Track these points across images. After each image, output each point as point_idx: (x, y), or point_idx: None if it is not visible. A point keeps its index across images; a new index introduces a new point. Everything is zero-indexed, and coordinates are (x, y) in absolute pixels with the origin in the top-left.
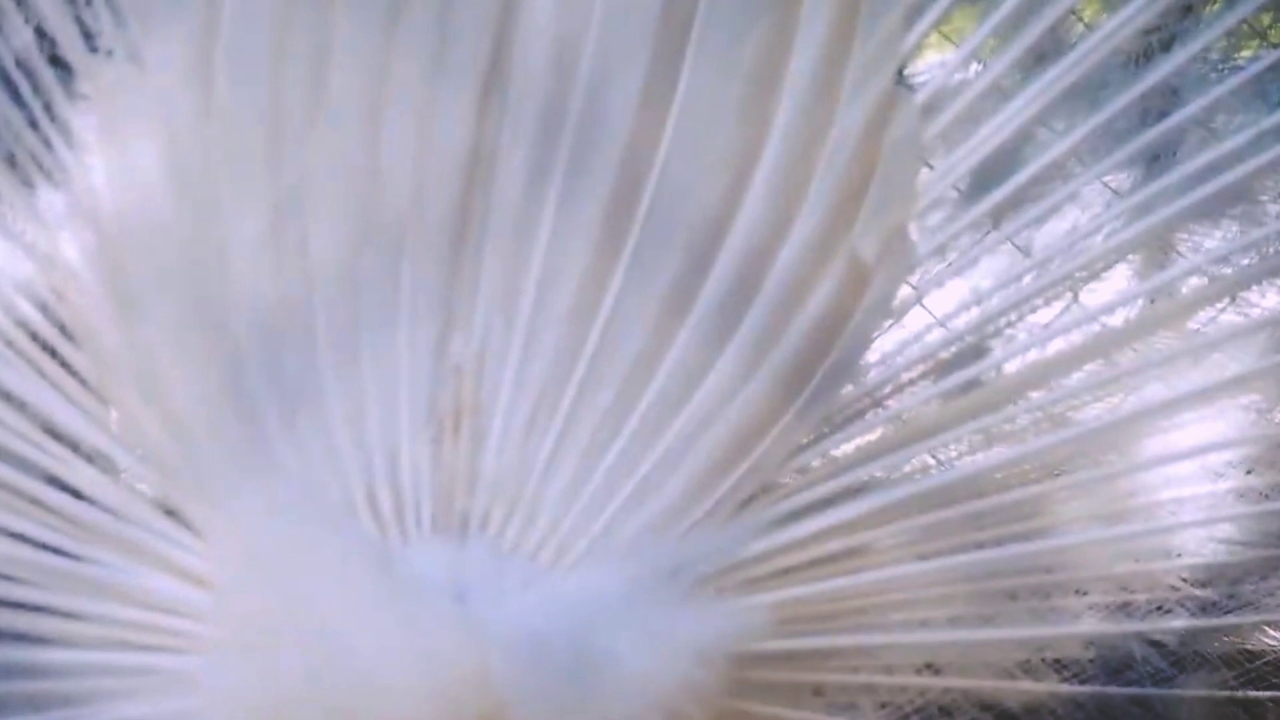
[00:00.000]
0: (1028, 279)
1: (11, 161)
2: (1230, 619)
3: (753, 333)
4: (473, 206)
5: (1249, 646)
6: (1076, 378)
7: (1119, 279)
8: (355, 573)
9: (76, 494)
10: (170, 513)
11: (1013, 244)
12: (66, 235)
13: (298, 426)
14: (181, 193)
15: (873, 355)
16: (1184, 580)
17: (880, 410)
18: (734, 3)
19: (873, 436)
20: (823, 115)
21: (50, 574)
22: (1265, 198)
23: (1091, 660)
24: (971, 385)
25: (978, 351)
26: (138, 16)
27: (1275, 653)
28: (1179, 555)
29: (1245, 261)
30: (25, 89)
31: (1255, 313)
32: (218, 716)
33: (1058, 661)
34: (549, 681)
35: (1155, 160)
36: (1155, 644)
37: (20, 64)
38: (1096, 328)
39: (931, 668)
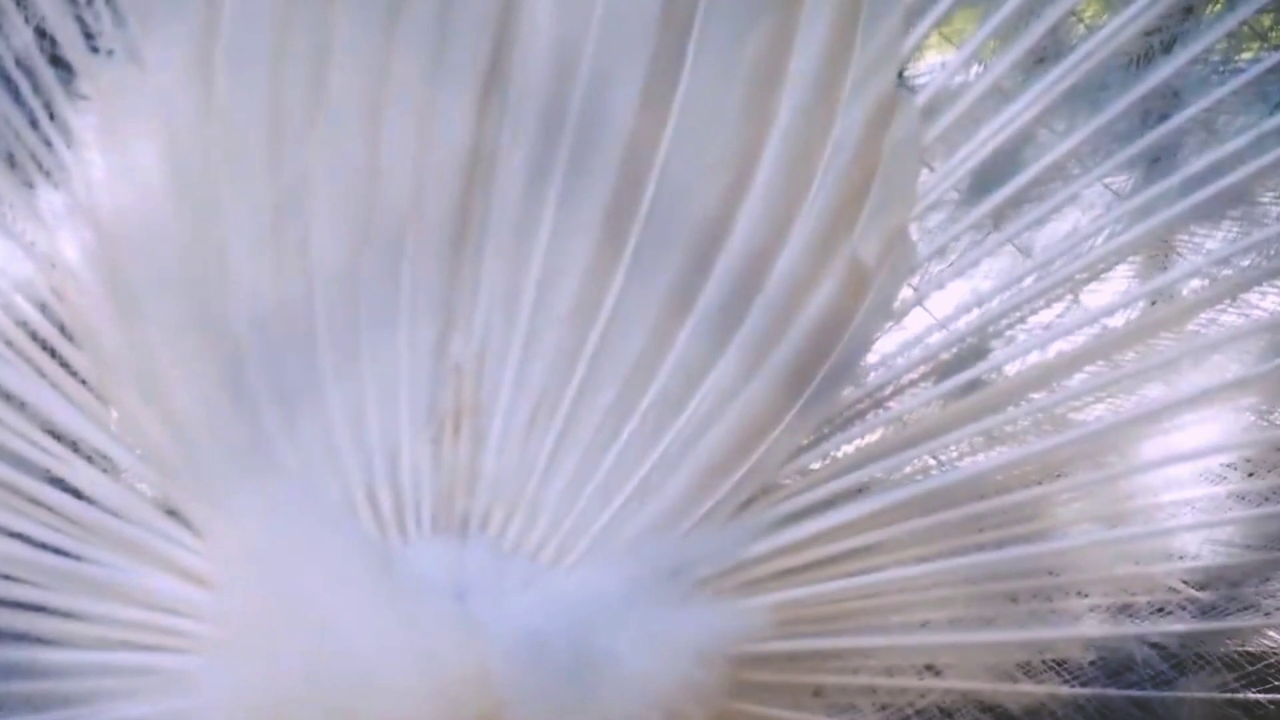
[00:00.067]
0: (1028, 280)
1: (11, 161)
2: (1231, 621)
3: (753, 333)
4: (473, 206)
5: (1249, 649)
6: (1077, 379)
7: (1120, 280)
8: (355, 572)
9: (77, 494)
10: (170, 512)
11: (1013, 245)
12: (66, 235)
13: (298, 426)
14: (181, 193)
15: (873, 356)
16: (1184, 583)
17: (881, 411)
18: (734, 3)
19: (873, 438)
20: (823, 116)
21: (50, 573)
22: (1266, 199)
23: (1092, 662)
24: (972, 387)
25: (978, 353)
26: (138, 16)
27: (1276, 655)
28: (1179, 558)
29: (1246, 263)
30: (25, 88)
31: (1256, 314)
32: (218, 716)
33: (1058, 663)
34: (549, 681)
35: (1156, 162)
36: (1156, 646)
37: (20, 64)
38: (1097, 329)
39: (932, 669)
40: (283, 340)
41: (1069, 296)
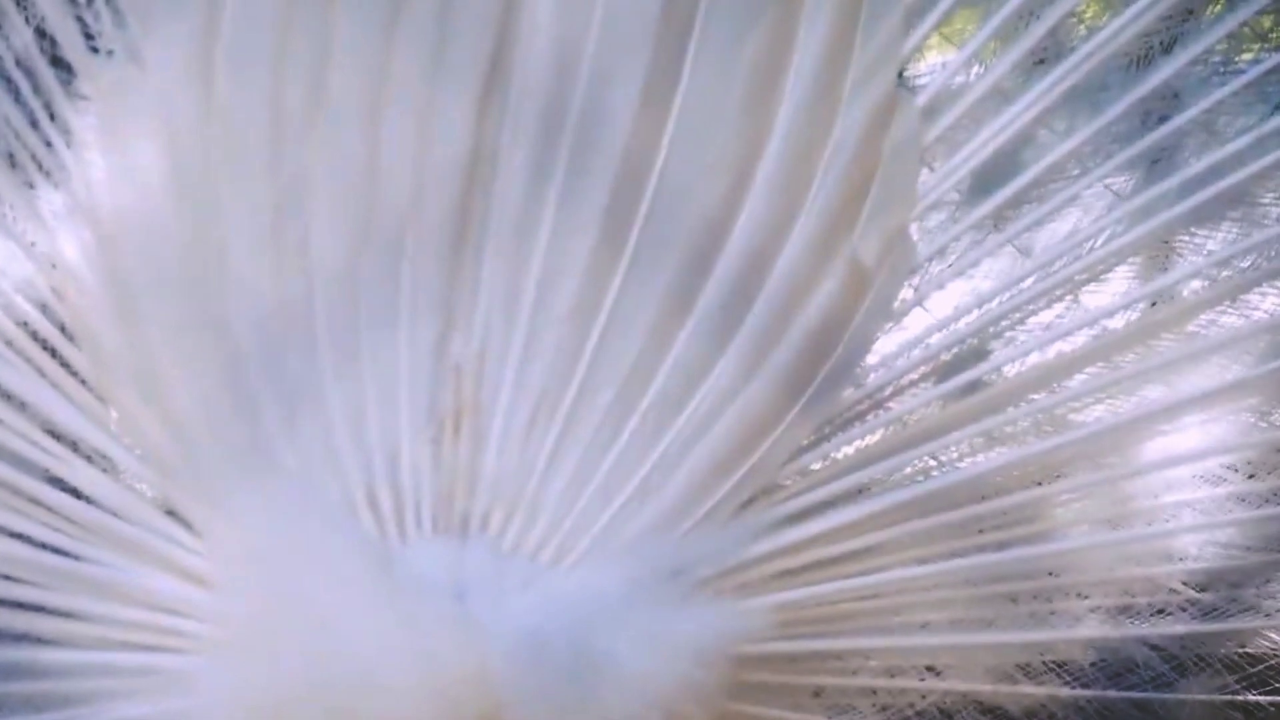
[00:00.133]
0: (1029, 281)
1: (12, 161)
2: (1231, 623)
3: (753, 334)
4: (473, 206)
5: (1250, 651)
6: (1078, 380)
7: (1120, 282)
8: (355, 572)
9: (76, 493)
10: (170, 512)
11: (1014, 246)
12: (67, 235)
13: (298, 426)
14: (182, 193)
15: (874, 357)
16: (1185, 584)
17: (881, 412)
18: (735, 3)
19: (874, 439)
20: (824, 116)
21: (50, 573)
22: (1266, 200)
23: (1093, 664)
24: (973, 388)
25: (979, 354)
26: (138, 17)
27: (1276, 657)
28: (1180, 559)
29: (1246, 264)
30: (26, 89)
31: (1256, 316)
32: (218, 716)
33: (1059, 665)
34: (548, 681)
35: (1156, 163)
36: (1156, 648)
37: (21, 64)
38: (1097, 330)
39: (932, 671)
40: (283, 340)
41: (1069, 297)
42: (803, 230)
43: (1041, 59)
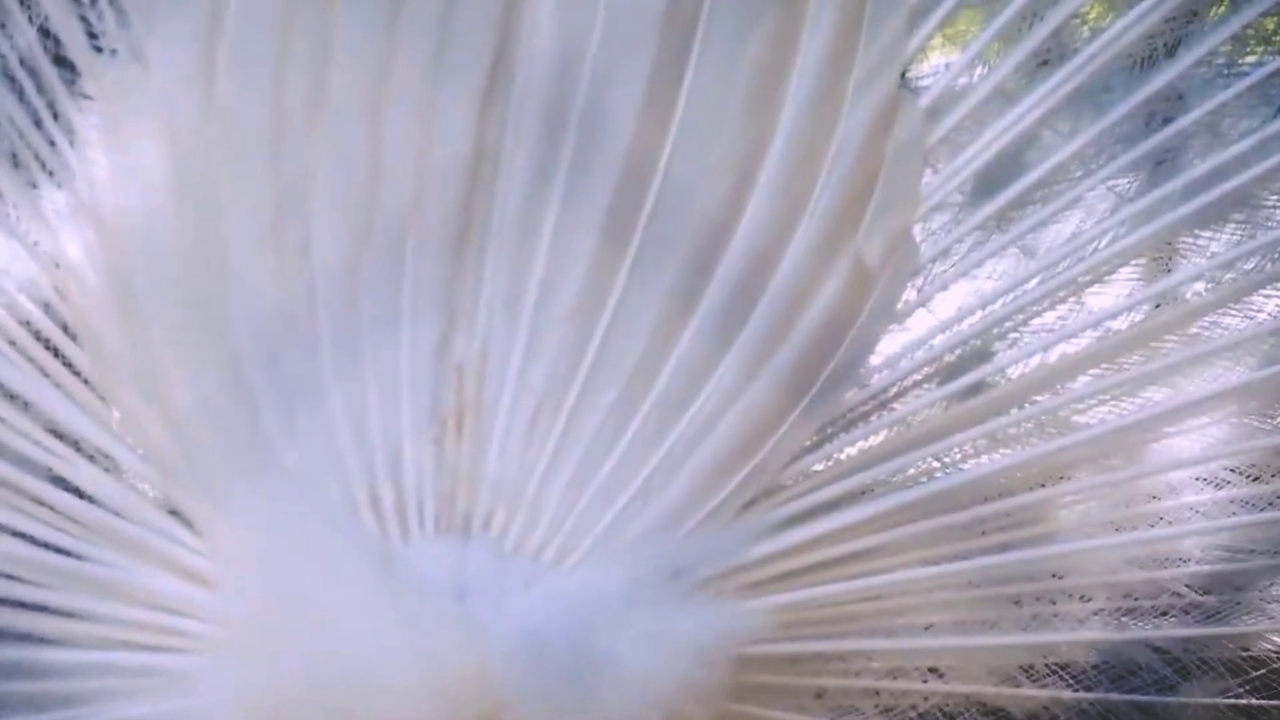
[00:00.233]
0: (1032, 283)
1: (15, 161)
2: (1234, 626)
3: (756, 334)
4: (475, 206)
5: (1253, 654)
6: (1081, 382)
7: (1123, 283)
8: (357, 572)
9: (78, 493)
10: (172, 512)
11: (1017, 248)
12: (69, 234)
13: (299, 426)
14: (184, 192)
15: (877, 358)
16: (1188, 587)
17: (884, 413)
18: (738, 3)
19: (877, 440)
20: (827, 117)
21: (52, 573)
22: (1270, 203)
23: (1095, 666)
24: (976, 389)
25: (982, 355)
26: (141, 16)
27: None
28: (1183, 562)
29: (1250, 266)
30: (29, 88)
31: (1260, 318)
32: (219, 716)
33: (1061, 667)
34: (549, 681)
35: (1160, 165)
36: (1159, 650)
37: (24, 63)
38: (1101, 332)
39: (935, 672)
40: (284, 340)
41: (1073, 299)
42: (806, 231)
43: (1045, 60)
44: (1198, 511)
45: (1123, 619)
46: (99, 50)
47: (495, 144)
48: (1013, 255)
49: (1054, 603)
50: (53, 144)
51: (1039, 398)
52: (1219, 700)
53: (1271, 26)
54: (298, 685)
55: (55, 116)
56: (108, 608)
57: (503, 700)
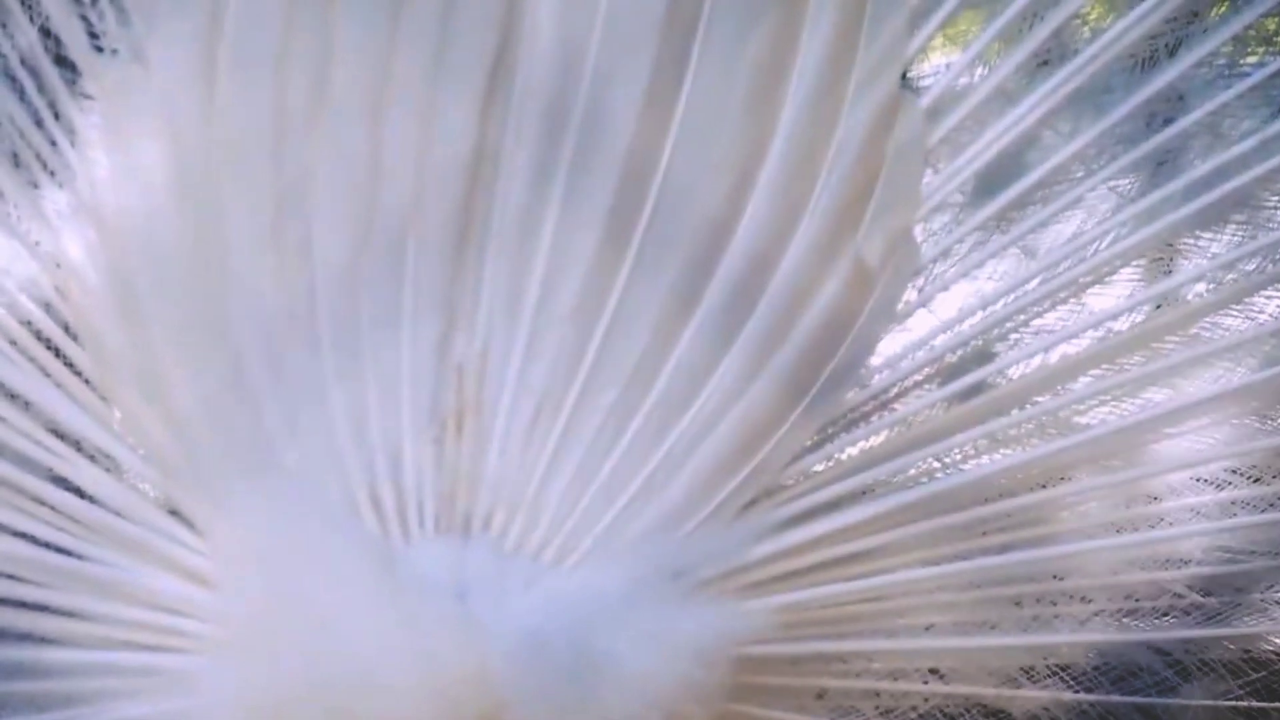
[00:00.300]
0: (1033, 284)
1: (16, 160)
2: (1235, 627)
3: (757, 334)
4: (476, 206)
5: (1254, 655)
6: (1082, 383)
7: (1124, 284)
8: (357, 572)
9: (79, 493)
10: (173, 512)
11: (1018, 248)
12: (70, 234)
13: (300, 426)
14: (184, 192)
15: (878, 359)
16: (1189, 588)
17: (885, 414)
18: (738, 3)
19: (878, 440)
20: (828, 117)
21: (53, 573)
22: (1271, 203)
23: (1096, 668)
24: (977, 389)
25: (983, 356)
26: (142, 16)
27: None
28: (1184, 563)
29: (1251, 268)
30: (30, 88)
31: (1261, 319)
32: (219, 716)
33: (1062, 668)
34: (549, 681)
35: (1161, 165)
36: (1160, 652)
37: (25, 63)
38: (1102, 333)
39: (935, 673)
40: (285, 339)
41: (1073, 300)
42: (806, 231)
43: (1045, 60)
44: (1199, 513)
45: (1124, 620)
46: (100, 50)
47: (496, 144)
48: (1013, 256)
49: (1055, 604)
50: (54, 144)
51: (1040, 398)
52: (1220, 702)
53: (1272, 27)
54: (298, 685)
55: (56, 116)
56: (108, 608)
57: (503, 700)
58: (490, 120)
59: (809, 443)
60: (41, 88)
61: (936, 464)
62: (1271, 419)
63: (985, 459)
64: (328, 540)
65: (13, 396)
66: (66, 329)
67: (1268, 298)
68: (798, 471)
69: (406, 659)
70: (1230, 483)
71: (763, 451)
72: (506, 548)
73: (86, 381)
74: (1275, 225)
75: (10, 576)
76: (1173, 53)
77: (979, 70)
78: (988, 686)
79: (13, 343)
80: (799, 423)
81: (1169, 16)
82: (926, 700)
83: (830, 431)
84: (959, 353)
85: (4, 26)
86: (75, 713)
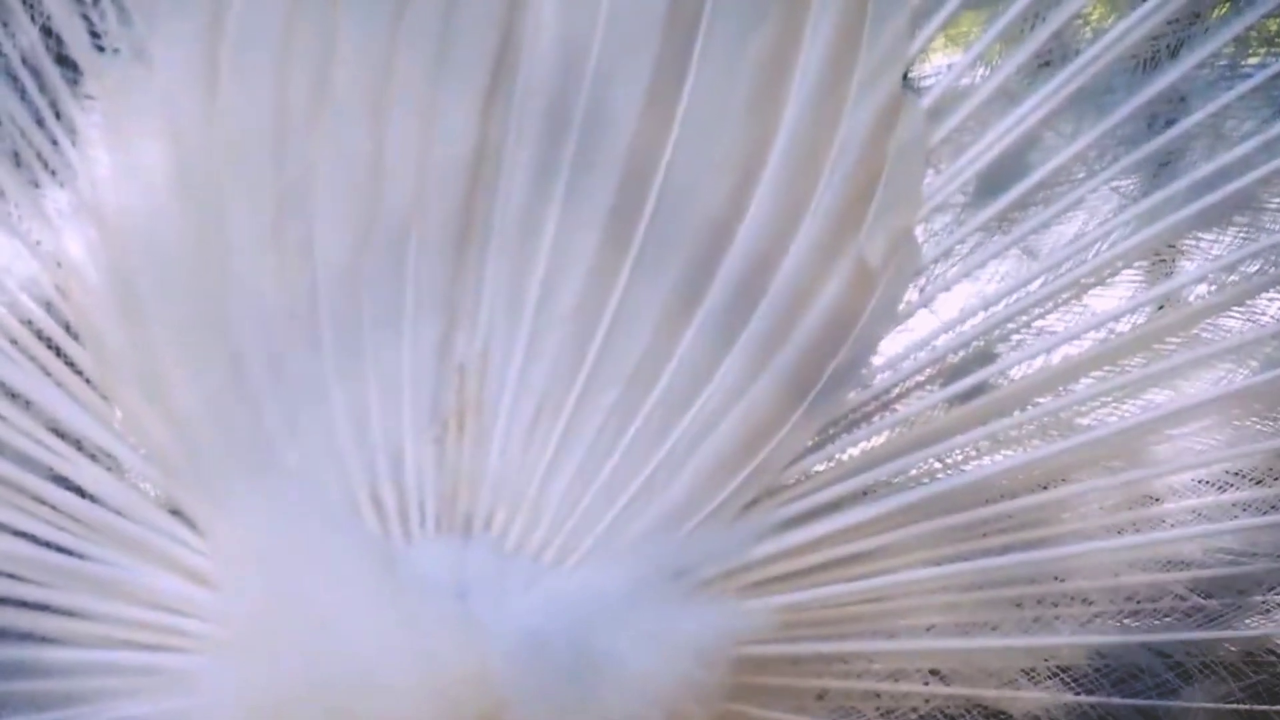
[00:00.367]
0: (1035, 284)
1: (17, 160)
2: (1237, 630)
3: (758, 334)
4: (477, 205)
5: (1256, 658)
6: (1084, 384)
7: (1126, 285)
8: (357, 572)
9: (80, 492)
10: (174, 511)
11: (1020, 249)
12: (71, 233)
13: (300, 425)
14: (186, 191)
15: (879, 359)
16: (1190, 590)
17: (887, 414)
18: (740, 3)
19: (879, 441)
20: (829, 117)
21: (54, 572)
22: (1273, 205)
23: (1097, 670)
24: (979, 390)
25: (985, 357)
26: (144, 15)
27: None
28: (1186, 565)
29: (1253, 269)
30: (31, 87)
31: (1263, 321)
32: (219, 716)
33: (1063, 670)
34: (549, 681)
35: (1163, 166)
36: (1161, 654)
37: (27, 62)
38: (1104, 334)
39: (936, 674)
40: (286, 339)
41: (1075, 301)
42: (808, 231)
43: (1047, 61)
44: (1200, 514)
45: (1125, 622)
46: (101, 49)
47: (497, 143)
48: (1015, 256)
49: (1056, 605)
50: (55, 143)
51: (1041, 399)
52: (1221, 704)
53: (1274, 28)
54: (298, 685)
55: (58, 115)
56: (109, 607)
57: (503, 700)
58: (492, 120)
59: (810, 443)
60: (43, 87)
61: (938, 465)
62: (1274, 421)
63: (987, 460)
64: (328, 540)
65: (14, 395)
66: (67, 328)
67: (1269, 299)
68: (799, 472)
69: (407, 659)
70: (1232, 485)
71: (764, 451)
72: (507, 548)
73: (87, 381)
74: (1277, 227)
75: (11, 576)
76: (1174, 54)
77: (981, 71)
78: (988, 688)
79: (14, 342)
80: (800, 423)
81: (1171, 17)
82: (927, 701)
83: (831, 432)
84: (960, 353)
85: (5, 25)
86: (75, 712)
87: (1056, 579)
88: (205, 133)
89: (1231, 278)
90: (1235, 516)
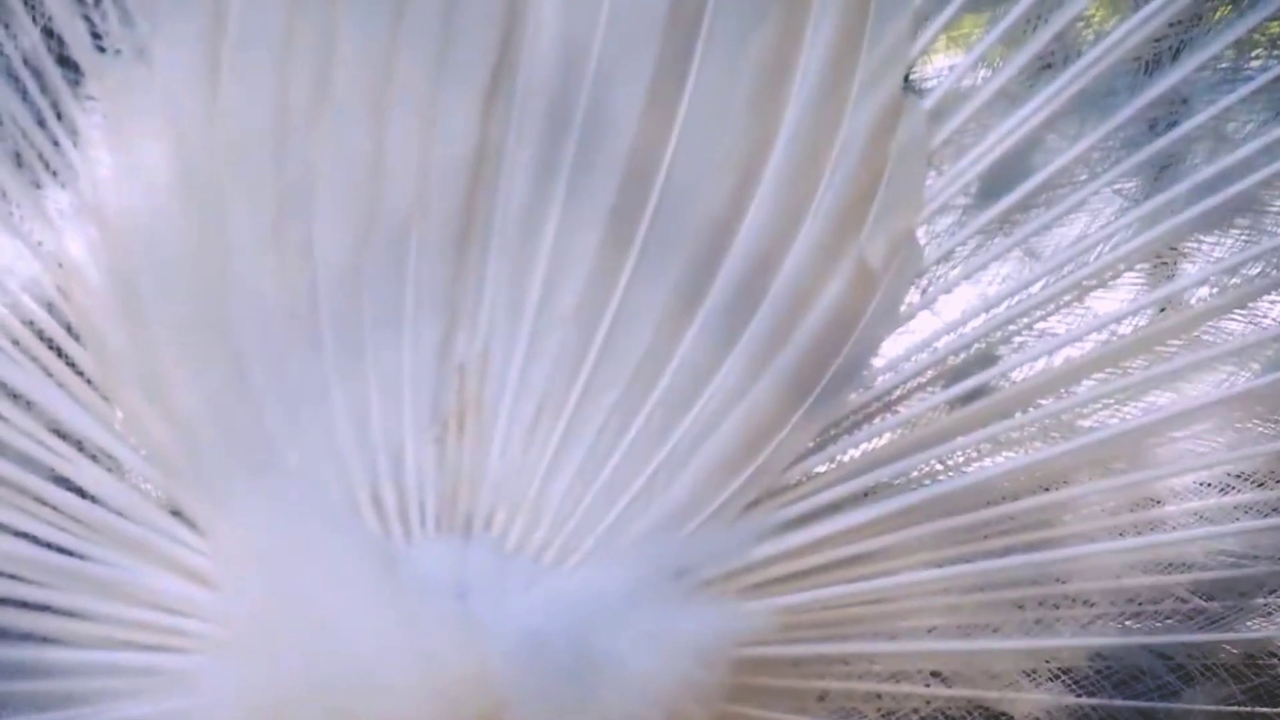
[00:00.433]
0: (1036, 286)
1: (19, 160)
2: (1238, 632)
3: (759, 334)
4: (478, 205)
5: (1257, 660)
6: (1085, 386)
7: (1128, 287)
8: (358, 572)
9: (81, 493)
10: (175, 512)
11: (1021, 251)
12: (73, 234)
13: (301, 426)
14: (187, 192)
15: (881, 360)
16: (1192, 592)
17: (888, 416)
18: (741, 3)
19: (880, 442)
20: (831, 118)
21: (55, 572)
22: (1275, 207)
23: (1098, 672)
24: (980, 392)
25: (986, 358)
26: (145, 16)
27: None
28: (1187, 567)
29: (1255, 272)
30: (33, 88)
31: (1265, 323)
32: (220, 716)
33: (1064, 672)
34: (549, 681)
35: (1165, 169)
36: (1162, 656)
37: (28, 63)
38: (1105, 336)
39: (937, 676)
40: (286, 339)
41: (1077, 303)
42: (809, 231)
43: (1049, 63)
44: (1202, 517)
45: (1126, 624)
46: (103, 50)
47: (498, 143)
48: (1017, 258)
49: (1057, 607)
50: (56, 144)
51: (1043, 401)
52: (1222, 707)
53: (1276, 30)
54: (298, 685)
55: (59, 116)
56: (110, 607)
57: (503, 700)
58: (492, 119)
59: (811, 444)
60: (44, 88)
61: (939, 466)
62: (1276, 423)
63: (988, 461)
64: (329, 540)
65: (15, 396)
66: (69, 329)
67: (1271, 302)
68: (800, 473)
69: (407, 659)
70: (1234, 487)
71: (765, 452)
72: (508, 548)
73: (88, 381)
74: (1279, 229)
75: (12, 576)
76: (1176, 56)
77: (982, 72)
78: (990, 689)
79: (15, 342)
80: (801, 424)
81: (1173, 19)
82: (928, 703)
83: (833, 433)
84: (962, 355)
85: (7, 26)
86: (76, 712)
87: (1058, 581)
88: (206, 133)
89: (1233, 280)
90: (1237, 519)
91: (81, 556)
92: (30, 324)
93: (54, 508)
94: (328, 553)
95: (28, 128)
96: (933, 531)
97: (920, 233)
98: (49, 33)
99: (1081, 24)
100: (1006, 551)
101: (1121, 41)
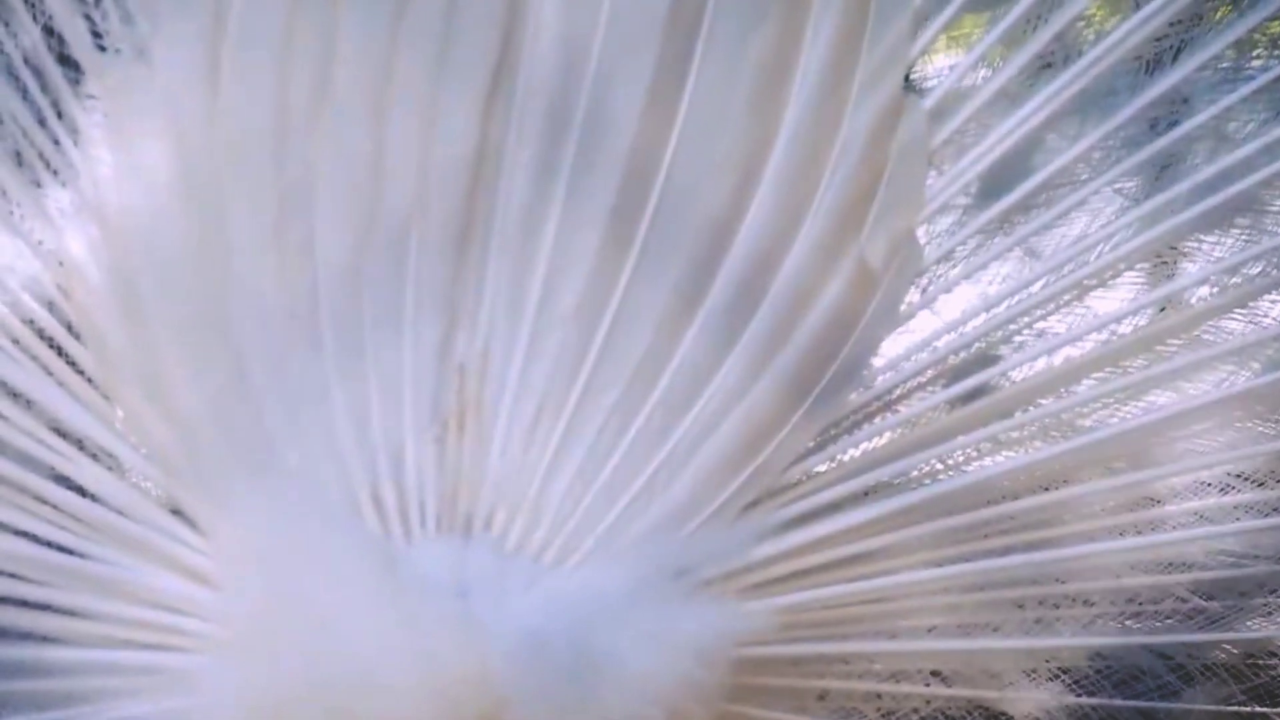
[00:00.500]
0: (1037, 286)
1: (19, 159)
2: (1238, 632)
3: (760, 334)
4: (478, 205)
5: (1257, 660)
6: (1086, 385)
7: (1128, 287)
8: (358, 572)
9: (82, 491)
10: (175, 511)
11: (1022, 250)
12: (73, 233)
13: (302, 425)
14: (187, 191)
15: (881, 360)
16: (1192, 592)
17: (888, 415)
18: (742, 3)
19: (881, 441)
20: (831, 118)
21: (55, 571)
22: (1276, 207)
23: (1098, 671)
24: (980, 391)
25: (986, 358)
26: (146, 15)
27: None
28: (1187, 567)
29: (1255, 271)
30: (33, 87)
31: (1265, 323)
32: (220, 716)
33: (1064, 671)
34: (549, 681)
35: (1165, 168)
36: (1162, 656)
37: (29, 62)
38: (1106, 336)
39: (937, 675)
40: (287, 339)
41: (1077, 302)
42: (809, 231)
43: (1049, 63)
44: (1202, 516)
45: (1126, 623)
46: (103, 49)
47: (498, 143)
48: (1017, 258)
49: (1057, 606)
50: (57, 143)
51: (1043, 401)
52: (1222, 706)
53: (1277, 30)
54: (298, 685)
55: (59, 115)
56: (110, 606)
57: (503, 700)
58: (493, 119)
59: (811, 443)
60: (45, 87)
61: (939, 466)
62: (1275, 423)
63: (988, 461)
64: (329, 540)
65: (15, 395)
66: (69, 328)
67: (1272, 301)
68: (800, 472)
69: (407, 659)
70: (1234, 487)
71: (765, 452)
72: (508, 548)
73: (89, 380)
74: (1279, 229)
75: (12, 575)
76: (1177, 55)
77: (983, 72)
78: (990, 689)
79: (15, 341)
80: (801, 423)
81: (1173, 19)
82: (928, 702)
83: (833, 432)
84: (962, 354)
85: (7, 25)
86: (76, 711)
87: (1058, 580)
88: (207, 132)
89: (1233, 280)
90: (1237, 518)
91: (82, 555)
92: (31, 323)
93: (54, 506)
94: (328, 552)
95: (28, 126)
96: (933, 531)
97: (920, 232)
98: (50, 31)
99: (1082, 23)
100: (1006, 551)
101: (1122, 41)
